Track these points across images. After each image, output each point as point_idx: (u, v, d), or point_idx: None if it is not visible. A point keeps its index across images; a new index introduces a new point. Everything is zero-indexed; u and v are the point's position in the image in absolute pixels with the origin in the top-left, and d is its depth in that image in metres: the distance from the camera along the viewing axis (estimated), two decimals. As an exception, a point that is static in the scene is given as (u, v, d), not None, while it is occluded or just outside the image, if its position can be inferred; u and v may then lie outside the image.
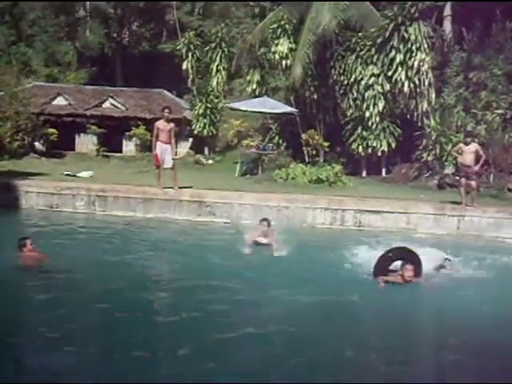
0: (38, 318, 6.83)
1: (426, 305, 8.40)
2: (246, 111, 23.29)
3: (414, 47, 20.01)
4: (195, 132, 25.77)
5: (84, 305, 7.39)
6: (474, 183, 14.91)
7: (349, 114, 21.60)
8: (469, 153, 14.93)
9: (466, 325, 7.24)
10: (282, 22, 21.97)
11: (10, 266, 8.42)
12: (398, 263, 8.81)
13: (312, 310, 7.53)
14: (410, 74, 20.11)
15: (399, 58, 20.13)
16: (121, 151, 27.59)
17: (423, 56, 20.12)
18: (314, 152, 22.38)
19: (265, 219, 11.11)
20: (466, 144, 15.13)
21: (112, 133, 26.86)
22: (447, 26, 24.00)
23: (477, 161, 14.94)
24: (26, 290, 7.73)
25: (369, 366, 5.98)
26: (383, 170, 21.78)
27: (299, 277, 8.93)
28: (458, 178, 16.02)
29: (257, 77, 24.33)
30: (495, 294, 8.33)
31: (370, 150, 21.18)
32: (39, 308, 7.17)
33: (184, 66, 26.75)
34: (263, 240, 10.77)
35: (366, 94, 20.74)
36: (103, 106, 27.97)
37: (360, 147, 21.25)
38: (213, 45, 26.39)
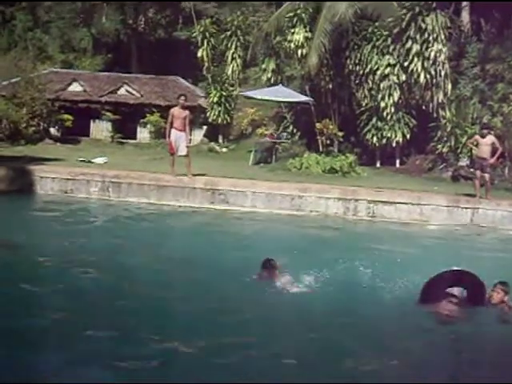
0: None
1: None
2: (260, 100, 23.32)
3: (430, 38, 19.86)
4: (210, 120, 25.80)
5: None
6: (487, 176, 14.85)
7: (364, 104, 21.49)
8: (485, 145, 14.84)
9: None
10: (299, 11, 21.84)
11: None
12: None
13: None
14: (426, 64, 19.97)
15: (416, 48, 19.99)
16: (135, 138, 27.69)
17: (440, 47, 19.97)
18: (328, 142, 22.31)
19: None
20: (483, 136, 15.02)
21: (127, 119, 26.97)
22: (465, 16, 23.80)
23: (493, 153, 14.85)
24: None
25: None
26: (397, 161, 21.69)
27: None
28: (472, 170, 15.95)
29: (272, 65, 24.27)
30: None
31: (384, 141, 21.07)
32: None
33: (199, 54, 26.79)
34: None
35: (382, 85, 20.63)
36: (118, 92, 28.03)
37: (374, 138, 21.15)
38: (228, 33, 26.38)
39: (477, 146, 15.23)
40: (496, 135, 15.98)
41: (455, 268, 7.22)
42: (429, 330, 6.47)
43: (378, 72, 20.68)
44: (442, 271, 7.11)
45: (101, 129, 27.71)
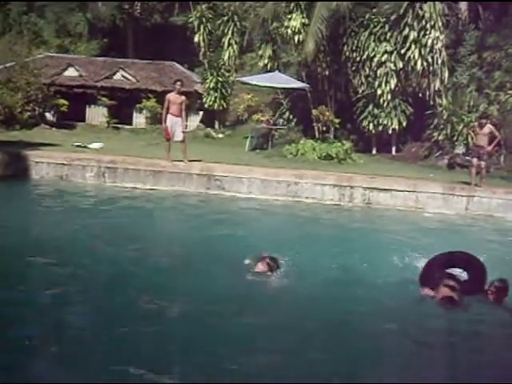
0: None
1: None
2: (257, 86, 23.24)
3: (428, 25, 19.80)
4: (206, 105, 25.74)
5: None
6: (483, 163, 14.94)
7: (360, 91, 21.47)
8: (482, 134, 14.96)
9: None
10: (296, -3, 21.77)
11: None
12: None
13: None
14: (423, 52, 19.94)
15: (413, 35, 19.94)
16: (131, 123, 27.60)
17: (437, 34, 19.92)
18: (325, 128, 22.30)
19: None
20: (481, 126, 15.08)
21: (122, 105, 26.86)
22: (463, 3, 23.69)
23: (491, 142, 14.96)
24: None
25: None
26: (393, 148, 21.70)
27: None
28: (469, 158, 16.00)
29: (269, 51, 24.20)
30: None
31: (380, 128, 21.07)
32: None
33: (196, 39, 26.70)
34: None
35: (379, 72, 20.59)
36: (114, 77, 27.91)
37: (371, 125, 21.15)
38: (225, 18, 26.26)
39: (474, 134, 15.33)
40: (492, 123, 16.00)
41: (453, 250, 7.04)
42: (423, 317, 6.44)
43: (375, 59, 20.63)
44: (439, 253, 6.96)
45: (96, 114, 27.61)
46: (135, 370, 4.68)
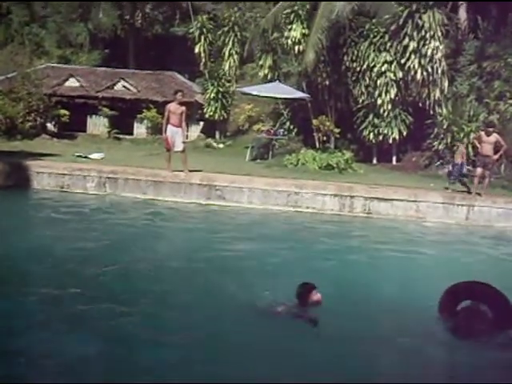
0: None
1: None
2: (257, 96, 23.28)
3: (427, 35, 19.84)
4: (206, 116, 25.82)
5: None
6: (487, 173, 14.99)
7: (360, 101, 21.49)
8: (488, 143, 14.97)
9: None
10: (296, 7, 21.81)
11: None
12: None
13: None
14: (423, 61, 19.97)
15: (413, 45, 19.98)
16: (132, 133, 27.68)
17: (437, 44, 19.96)
18: (325, 138, 22.33)
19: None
20: (488, 134, 15.08)
21: (123, 115, 26.93)
22: (462, 13, 23.78)
23: (496, 151, 14.98)
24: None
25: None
26: (394, 158, 21.71)
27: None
28: (470, 167, 16.01)
29: (269, 62, 24.27)
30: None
31: (380, 138, 21.09)
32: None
33: (196, 50, 26.81)
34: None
35: (379, 81, 20.62)
36: (115, 88, 28.01)
37: (371, 134, 21.18)
38: (226, 29, 26.40)
39: (480, 143, 15.32)
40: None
41: (473, 280, 6.44)
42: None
43: (375, 69, 20.67)
44: (458, 282, 6.44)
45: (97, 124, 27.71)
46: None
